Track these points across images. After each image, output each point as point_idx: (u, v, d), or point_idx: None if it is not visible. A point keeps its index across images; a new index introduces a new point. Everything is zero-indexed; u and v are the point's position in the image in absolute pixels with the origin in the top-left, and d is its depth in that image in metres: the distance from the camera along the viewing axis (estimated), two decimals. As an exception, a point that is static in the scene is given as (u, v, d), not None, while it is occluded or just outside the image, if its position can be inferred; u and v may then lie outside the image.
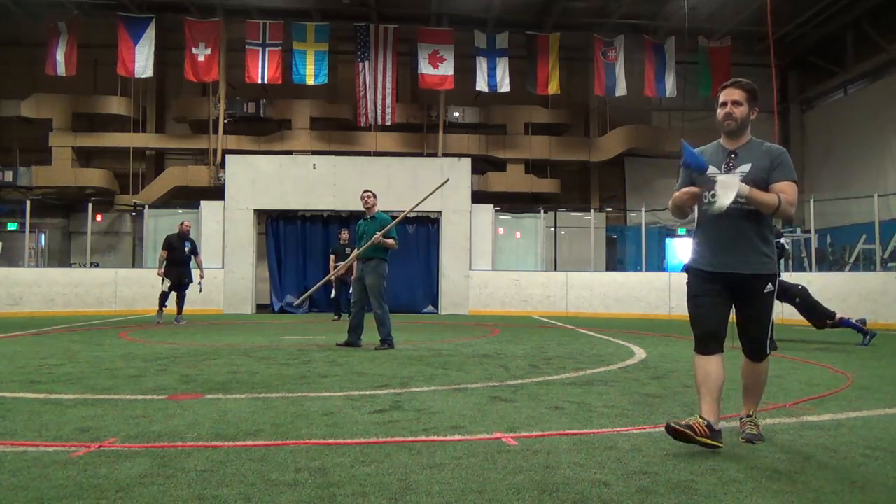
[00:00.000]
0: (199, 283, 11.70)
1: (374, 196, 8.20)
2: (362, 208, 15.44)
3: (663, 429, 3.28)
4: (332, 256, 12.74)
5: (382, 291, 7.79)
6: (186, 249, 11.59)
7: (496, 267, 15.84)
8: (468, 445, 3.32)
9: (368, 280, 7.71)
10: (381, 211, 8.27)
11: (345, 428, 3.67)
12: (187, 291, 11.79)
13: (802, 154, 21.23)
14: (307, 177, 15.33)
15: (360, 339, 7.91)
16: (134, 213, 19.15)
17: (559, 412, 4.13)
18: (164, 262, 11.43)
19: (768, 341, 3.46)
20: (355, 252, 8.15)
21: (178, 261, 11.49)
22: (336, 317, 12.82)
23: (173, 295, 11.63)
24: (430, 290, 16.02)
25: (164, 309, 11.59)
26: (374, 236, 7.65)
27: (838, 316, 8.49)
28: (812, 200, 15.04)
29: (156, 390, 4.84)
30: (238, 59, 18.35)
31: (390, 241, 7.75)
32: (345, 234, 13.04)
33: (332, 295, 12.81)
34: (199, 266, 11.84)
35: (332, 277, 10.71)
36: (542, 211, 16.87)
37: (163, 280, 11.45)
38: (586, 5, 18.35)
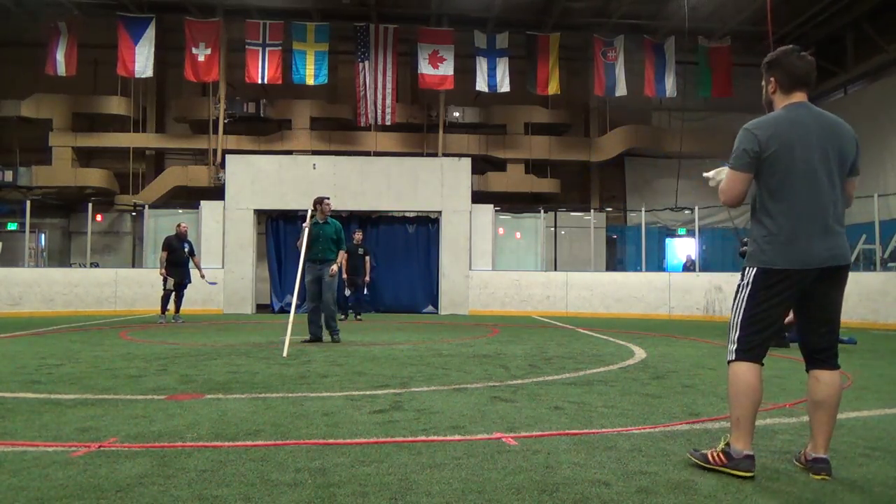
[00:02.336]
0: (205, 279, 12.01)
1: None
2: (363, 208, 15.63)
3: (663, 429, 3.26)
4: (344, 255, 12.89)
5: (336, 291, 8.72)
6: (186, 250, 11.77)
7: (496, 267, 15.84)
8: (468, 445, 3.32)
9: (328, 279, 8.35)
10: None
11: (345, 428, 3.67)
12: (186, 291, 11.96)
13: (802, 154, 21.21)
14: (307, 177, 15.33)
15: (321, 330, 8.53)
16: (134, 213, 19.16)
17: (559, 412, 4.12)
18: (165, 264, 11.55)
19: (729, 342, 2.96)
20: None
21: (179, 261, 11.67)
22: (343, 316, 12.91)
23: (173, 295, 11.74)
24: (430, 290, 16.03)
25: (167, 310, 11.66)
26: (331, 269, 8.35)
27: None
28: (812, 200, 15.01)
29: (156, 390, 4.84)
30: (238, 59, 18.35)
31: (342, 255, 8.66)
32: (358, 235, 13.22)
33: (347, 293, 12.95)
34: (198, 266, 12.10)
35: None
36: (542, 211, 16.87)
37: (165, 280, 11.57)
38: (586, 5, 18.34)
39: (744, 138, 2.89)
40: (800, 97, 2.95)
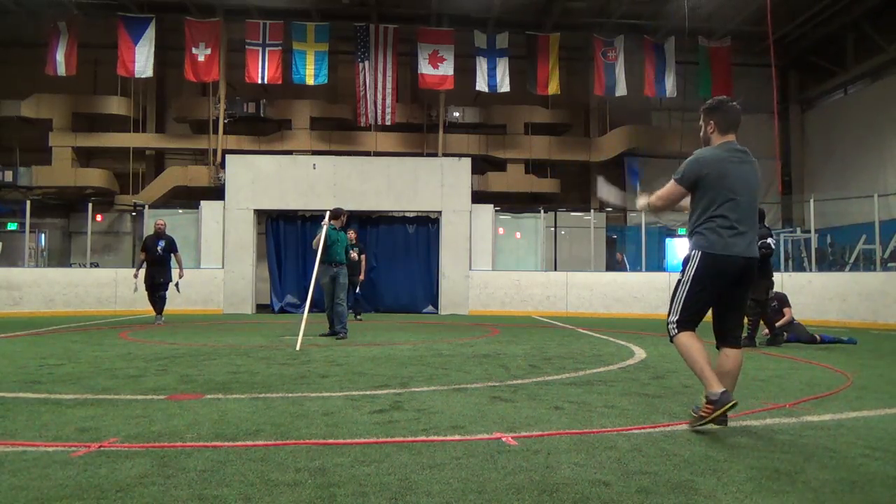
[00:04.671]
0: (177, 283, 11.34)
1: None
2: (362, 209, 15.65)
3: (663, 429, 3.29)
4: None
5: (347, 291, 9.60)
6: (160, 248, 11.26)
7: (496, 267, 15.84)
8: (468, 445, 3.32)
9: (342, 280, 9.21)
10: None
11: (345, 428, 3.67)
12: (167, 293, 11.44)
13: (802, 154, 21.24)
14: (307, 177, 15.32)
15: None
16: (134, 213, 19.15)
17: (559, 412, 4.13)
18: (143, 264, 11.25)
19: (668, 323, 3.76)
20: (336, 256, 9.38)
21: (152, 261, 11.24)
22: (359, 318, 12.96)
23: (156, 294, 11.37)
24: (430, 290, 16.02)
25: (163, 308, 11.38)
26: (352, 254, 9.67)
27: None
28: (812, 200, 15.04)
29: (156, 390, 4.84)
30: (238, 59, 18.34)
31: (353, 254, 9.80)
32: (352, 234, 13.19)
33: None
34: (179, 264, 11.49)
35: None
36: (542, 211, 16.87)
37: (135, 285, 11.25)
38: (586, 5, 18.35)
39: (692, 164, 3.74)
40: (730, 138, 3.79)
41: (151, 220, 15.68)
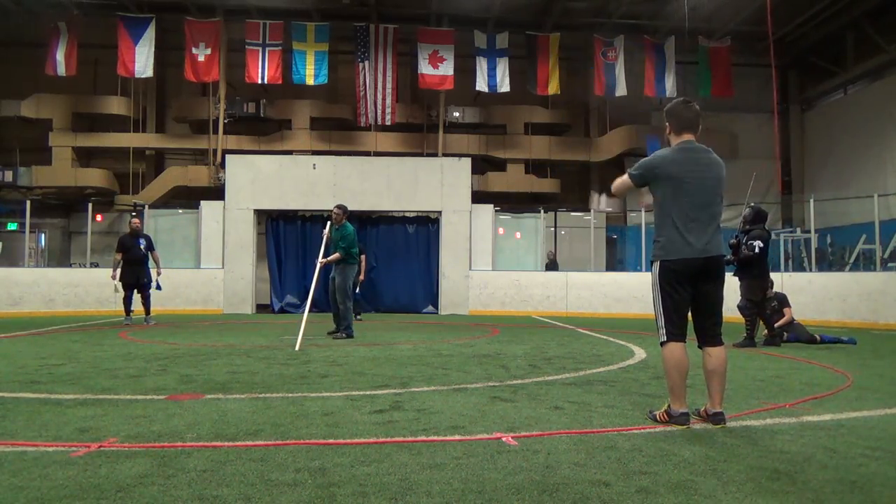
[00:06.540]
0: (157, 281, 11.19)
1: (341, 211, 9.38)
2: (363, 208, 15.64)
3: (664, 429, 3.29)
4: (336, 257, 12.86)
5: (347, 290, 9.11)
6: (142, 247, 11.13)
7: (496, 267, 15.83)
8: (468, 445, 3.32)
9: (337, 279, 9.10)
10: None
11: (345, 428, 3.67)
12: (151, 291, 11.31)
13: (802, 154, 21.23)
14: (307, 177, 15.33)
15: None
16: (134, 214, 19.11)
17: (559, 412, 4.13)
18: (120, 265, 11.05)
19: (658, 329, 3.83)
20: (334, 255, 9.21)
21: (134, 260, 11.07)
22: (358, 317, 12.95)
23: (139, 296, 11.24)
24: (430, 290, 16.02)
25: (131, 311, 11.22)
26: (333, 256, 9.04)
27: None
28: (812, 200, 15.04)
29: (156, 390, 4.84)
30: (238, 59, 18.34)
31: (334, 256, 9.03)
32: None
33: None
34: (157, 263, 11.37)
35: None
36: (542, 211, 16.87)
37: (115, 286, 11.05)
38: (586, 5, 18.34)
39: (646, 162, 3.85)
40: (687, 137, 3.80)
41: (152, 220, 15.77)
